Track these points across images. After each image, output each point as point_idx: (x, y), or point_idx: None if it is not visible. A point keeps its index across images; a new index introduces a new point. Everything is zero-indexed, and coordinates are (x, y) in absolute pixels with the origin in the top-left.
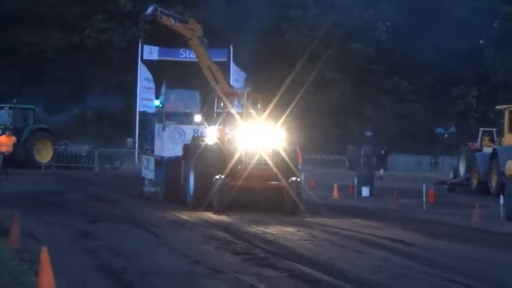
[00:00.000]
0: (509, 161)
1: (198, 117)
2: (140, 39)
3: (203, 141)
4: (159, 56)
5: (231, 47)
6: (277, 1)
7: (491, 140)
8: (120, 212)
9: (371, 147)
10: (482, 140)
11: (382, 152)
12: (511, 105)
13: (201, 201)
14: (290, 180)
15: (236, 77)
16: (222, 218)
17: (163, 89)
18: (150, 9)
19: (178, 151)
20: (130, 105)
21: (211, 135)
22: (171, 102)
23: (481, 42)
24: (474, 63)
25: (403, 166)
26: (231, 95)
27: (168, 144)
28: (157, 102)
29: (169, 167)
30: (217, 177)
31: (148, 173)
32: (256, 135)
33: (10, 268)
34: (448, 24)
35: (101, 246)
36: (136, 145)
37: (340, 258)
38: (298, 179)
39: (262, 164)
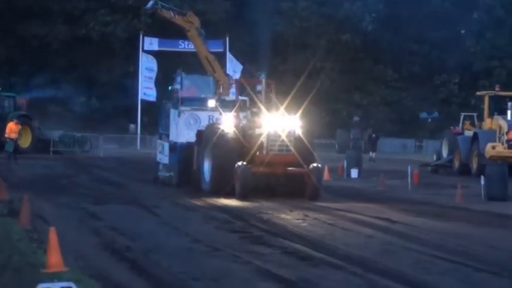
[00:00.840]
0: (489, 144)
1: (212, 102)
2: (141, 31)
3: (219, 128)
4: (159, 46)
5: (227, 38)
6: None
7: (472, 124)
8: (124, 194)
9: (359, 131)
10: (463, 124)
11: (373, 136)
12: (491, 91)
13: (218, 188)
14: (311, 166)
15: (232, 66)
16: (224, 200)
17: (178, 75)
18: (150, 3)
19: (193, 137)
20: (132, 93)
21: (227, 121)
22: (186, 88)
23: (463, 32)
24: (456, 53)
25: (389, 149)
26: (250, 82)
27: (184, 130)
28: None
29: (182, 153)
30: (239, 163)
31: (163, 157)
32: (278, 121)
33: (20, 248)
34: (430, 16)
35: (106, 226)
36: (139, 131)
37: (330, 236)
38: (319, 165)
39: (284, 150)
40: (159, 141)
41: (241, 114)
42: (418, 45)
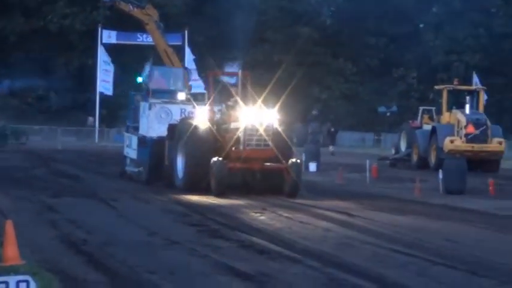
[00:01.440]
0: (447, 138)
1: (182, 95)
2: (100, 24)
3: (192, 122)
4: (117, 39)
5: (186, 31)
6: None
7: (431, 118)
8: (82, 187)
9: (318, 125)
10: (422, 118)
11: (332, 129)
12: (449, 86)
13: (192, 185)
14: (291, 161)
15: (191, 59)
16: (185, 196)
17: (147, 66)
18: None
19: (164, 131)
20: (90, 86)
21: (200, 115)
22: (154, 79)
23: (421, 26)
24: (414, 46)
25: (348, 143)
26: (225, 74)
27: (154, 124)
28: (140, 79)
29: (153, 148)
30: (215, 159)
31: (131, 151)
32: (255, 115)
33: None
34: (389, 9)
35: (63, 219)
36: (97, 123)
37: (288, 229)
38: (299, 161)
39: (261, 144)
40: (126, 134)
41: (216, 108)
42: (376, 38)
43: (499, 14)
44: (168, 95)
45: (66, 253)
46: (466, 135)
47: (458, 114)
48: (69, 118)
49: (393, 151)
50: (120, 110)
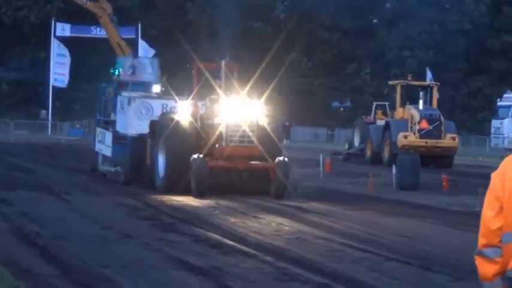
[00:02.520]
0: (400, 133)
1: (157, 88)
2: (54, 17)
3: (173, 117)
4: (71, 32)
5: (139, 25)
6: None
7: (384, 113)
8: (35, 181)
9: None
10: (375, 113)
11: (287, 123)
12: (403, 81)
13: (173, 185)
14: (277, 160)
15: (144, 52)
16: (135, 189)
17: (120, 57)
18: None
19: (144, 128)
20: (43, 79)
21: (183, 110)
22: (127, 70)
23: (375, 21)
24: (368, 42)
25: (301, 138)
26: (209, 66)
27: (134, 120)
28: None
29: (134, 146)
30: (195, 156)
31: (104, 148)
32: (239, 109)
33: None
34: (343, 4)
35: (16, 212)
36: (50, 117)
37: (242, 224)
38: (286, 159)
39: (245, 141)
40: (98, 129)
41: (200, 103)
42: (330, 33)
43: (453, 10)
44: (142, 87)
45: (19, 246)
46: (420, 130)
47: (411, 110)
48: (22, 111)
49: (346, 146)
50: (73, 103)
